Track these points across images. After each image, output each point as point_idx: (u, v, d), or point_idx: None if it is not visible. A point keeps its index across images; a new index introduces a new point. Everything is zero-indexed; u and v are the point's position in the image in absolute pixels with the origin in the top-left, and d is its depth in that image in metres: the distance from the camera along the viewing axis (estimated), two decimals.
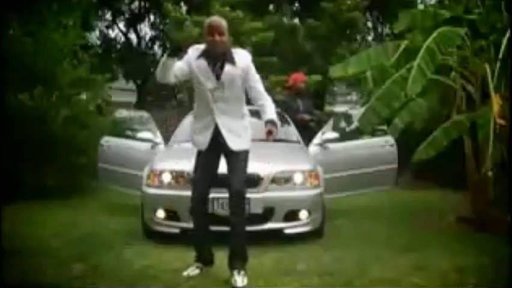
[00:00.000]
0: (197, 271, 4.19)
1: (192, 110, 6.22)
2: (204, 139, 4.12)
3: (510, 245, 4.57)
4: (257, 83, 4.15)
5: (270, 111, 4.13)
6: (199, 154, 4.20)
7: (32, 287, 3.97)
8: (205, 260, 4.26)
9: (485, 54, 5.81)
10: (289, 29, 11.42)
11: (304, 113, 7.29)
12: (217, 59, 3.99)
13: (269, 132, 4.04)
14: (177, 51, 3.95)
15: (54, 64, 8.08)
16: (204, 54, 4.00)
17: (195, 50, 4.06)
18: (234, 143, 4.09)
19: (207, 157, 4.15)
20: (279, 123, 4.25)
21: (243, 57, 4.10)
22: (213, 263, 4.27)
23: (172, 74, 4.00)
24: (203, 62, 4.00)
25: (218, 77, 3.99)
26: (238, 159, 4.08)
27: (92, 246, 5.00)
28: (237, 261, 4.04)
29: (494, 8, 5.76)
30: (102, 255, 4.68)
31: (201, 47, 4.06)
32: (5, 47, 7.14)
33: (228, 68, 3.99)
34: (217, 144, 4.09)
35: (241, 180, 4.05)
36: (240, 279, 3.95)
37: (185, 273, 4.15)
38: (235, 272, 3.98)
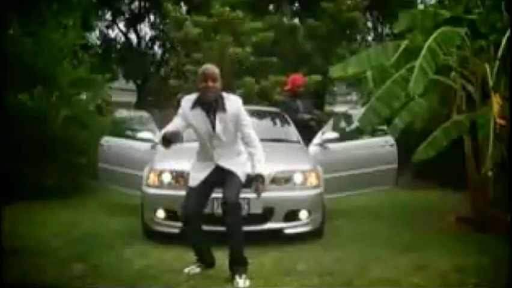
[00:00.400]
0: (198, 270, 4.23)
1: None
2: (202, 176, 4.24)
3: (510, 245, 4.57)
4: (247, 127, 4.25)
5: (259, 163, 4.21)
6: (191, 189, 4.27)
7: (32, 287, 3.96)
8: (206, 262, 4.30)
9: (485, 54, 5.81)
10: (289, 29, 11.41)
11: (304, 113, 7.28)
12: (210, 106, 4.13)
13: (256, 190, 4.17)
14: (167, 143, 4.01)
15: (54, 64, 8.07)
16: (198, 102, 4.15)
17: (187, 101, 4.20)
18: (232, 167, 4.22)
19: (201, 188, 4.24)
20: (265, 175, 4.30)
21: (233, 102, 4.20)
22: (214, 265, 4.29)
23: (177, 140, 4.06)
24: (199, 111, 4.14)
25: (213, 127, 4.14)
26: (233, 177, 4.19)
27: (92, 246, 5.00)
28: (238, 265, 4.09)
29: (494, 8, 5.76)
30: (102, 255, 4.68)
31: (193, 96, 4.20)
32: (5, 47, 7.14)
33: (219, 116, 4.13)
34: (214, 176, 4.22)
35: (236, 194, 4.15)
36: (241, 282, 3.98)
37: (186, 270, 4.19)
38: (237, 276, 4.02)
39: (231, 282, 3.99)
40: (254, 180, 4.19)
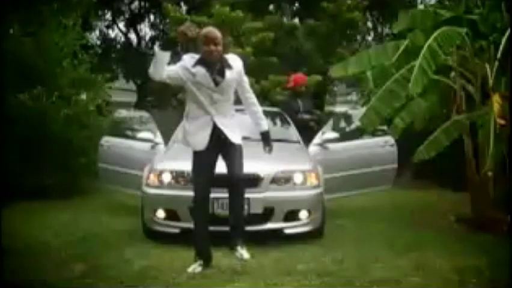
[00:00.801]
0: (200, 268, 4.24)
1: None
2: (202, 138, 4.26)
3: (510, 245, 4.57)
4: (247, 85, 4.43)
5: (263, 120, 4.49)
6: (196, 154, 4.31)
7: (32, 287, 3.96)
8: (205, 257, 4.32)
9: (485, 54, 5.82)
10: (289, 29, 11.40)
11: (305, 114, 7.28)
12: (214, 66, 4.20)
13: (268, 146, 4.51)
14: (170, 45, 4.11)
15: (54, 64, 8.08)
16: (201, 62, 4.20)
17: (190, 58, 4.23)
18: (234, 137, 4.29)
19: (206, 156, 4.27)
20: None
21: (236, 61, 4.32)
22: (211, 260, 4.34)
23: (164, 70, 4.15)
24: (201, 69, 4.19)
25: (216, 82, 4.20)
26: (236, 152, 4.28)
27: (93, 246, 5.00)
28: (239, 238, 4.28)
29: (494, 8, 5.76)
30: (102, 255, 4.68)
31: (196, 56, 4.24)
32: (5, 47, 7.14)
33: (228, 73, 4.22)
34: (216, 142, 4.25)
35: (241, 169, 4.24)
36: (244, 252, 4.22)
37: (189, 270, 4.20)
38: (239, 248, 4.23)
39: (233, 253, 4.24)
40: (263, 138, 4.48)
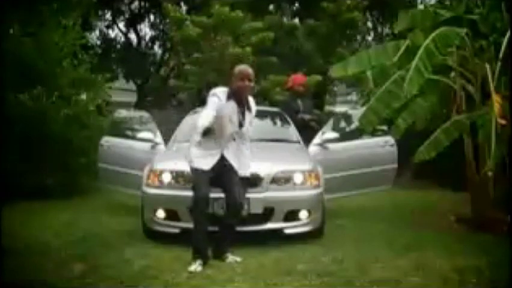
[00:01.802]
0: (200, 267, 4.28)
1: (191, 110, 6.27)
2: (208, 162, 4.48)
3: (510, 245, 4.57)
4: (250, 128, 4.66)
5: (247, 167, 4.63)
6: (195, 172, 4.52)
7: (32, 287, 3.96)
8: (204, 256, 4.38)
9: (485, 54, 5.81)
10: (289, 29, 11.41)
11: (305, 114, 7.28)
12: (243, 104, 4.49)
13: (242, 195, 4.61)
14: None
15: (54, 64, 8.09)
16: (233, 97, 4.43)
17: (222, 93, 4.46)
18: (240, 168, 4.56)
19: (204, 176, 4.49)
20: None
21: (253, 104, 4.62)
22: (209, 259, 4.44)
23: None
24: (234, 105, 4.43)
25: (240, 125, 4.49)
26: (235, 175, 4.53)
27: (92, 246, 5.00)
28: (228, 247, 4.56)
29: (494, 8, 5.75)
30: (102, 255, 4.67)
31: (225, 89, 4.50)
32: (5, 47, 7.14)
33: (247, 116, 4.53)
34: (217, 166, 4.50)
35: (242, 195, 4.57)
36: (235, 257, 4.50)
37: (191, 269, 4.23)
38: (229, 254, 4.51)
39: (222, 261, 4.46)
40: (243, 182, 4.60)
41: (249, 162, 4.65)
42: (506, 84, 5.51)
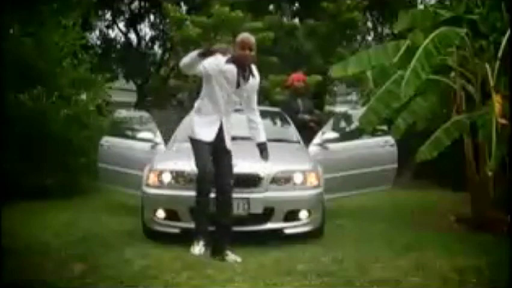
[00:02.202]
0: (203, 249, 4.38)
1: (191, 109, 6.23)
2: (210, 132, 4.55)
3: (510, 245, 4.57)
4: (255, 96, 4.74)
5: (262, 132, 4.77)
6: (198, 147, 4.58)
7: (32, 287, 3.96)
8: (206, 236, 4.50)
9: (485, 54, 5.81)
10: (289, 29, 11.41)
11: (305, 114, 7.28)
12: (244, 69, 4.52)
13: (264, 156, 4.76)
14: (208, 54, 4.41)
15: (54, 64, 8.08)
16: (233, 61, 4.48)
17: (222, 57, 4.48)
18: (228, 144, 4.65)
19: (206, 150, 4.56)
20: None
21: (257, 73, 4.67)
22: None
23: (195, 69, 4.54)
24: (232, 67, 4.48)
25: (238, 84, 4.51)
26: (227, 159, 4.61)
27: (92, 246, 4.99)
28: (226, 245, 4.52)
29: (494, 8, 5.75)
30: (102, 255, 4.67)
31: (225, 58, 4.50)
32: (5, 47, 7.14)
33: (251, 79, 4.57)
34: (216, 141, 4.57)
35: (231, 176, 4.61)
36: (235, 256, 4.45)
37: (196, 251, 4.36)
38: (229, 252, 4.47)
39: (224, 260, 4.40)
40: (260, 149, 4.73)
41: (261, 129, 4.75)
42: (506, 84, 5.51)
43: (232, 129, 4.72)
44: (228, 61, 4.47)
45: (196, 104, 4.69)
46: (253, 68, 4.63)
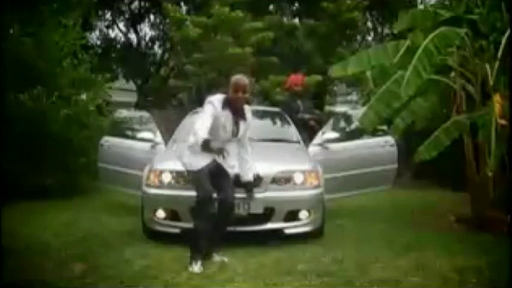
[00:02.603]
0: (201, 267, 4.28)
1: (191, 110, 6.26)
2: (204, 160, 4.47)
3: (510, 245, 4.57)
4: (247, 135, 4.72)
5: (250, 171, 4.81)
6: (195, 172, 4.52)
7: (32, 287, 3.96)
8: (202, 256, 4.40)
9: (485, 54, 5.81)
10: (289, 29, 11.42)
11: (305, 113, 7.28)
12: (237, 112, 4.54)
13: (249, 192, 4.86)
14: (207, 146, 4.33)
15: (55, 64, 8.08)
16: (227, 106, 4.48)
17: (218, 102, 4.48)
18: (242, 174, 4.75)
19: (203, 173, 4.49)
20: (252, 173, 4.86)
21: (249, 113, 4.66)
22: (209, 257, 4.47)
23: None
24: (229, 114, 4.49)
25: (234, 134, 4.56)
26: (228, 178, 4.61)
27: (93, 246, 5.00)
28: (215, 247, 4.56)
29: (494, 8, 5.75)
30: (102, 255, 4.67)
31: (221, 97, 4.51)
32: (5, 47, 7.14)
33: (242, 125, 4.57)
34: (215, 167, 4.54)
35: (233, 196, 4.60)
36: (222, 257, 4.51)
37: (196, 269, 4.24)
38: (215, 254, 4.52)
39: (209, 260, 4.44)
40: (245, 186, 4.80)
41: (250, 168, 4.78)
42: (506, 84, 5.51)
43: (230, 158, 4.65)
44: (223, 107, 4.47)
45: (195, 147, 4.45)
46: (247, 109, 4.65)
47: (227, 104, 4.48)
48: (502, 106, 5.27)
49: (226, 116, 4.48)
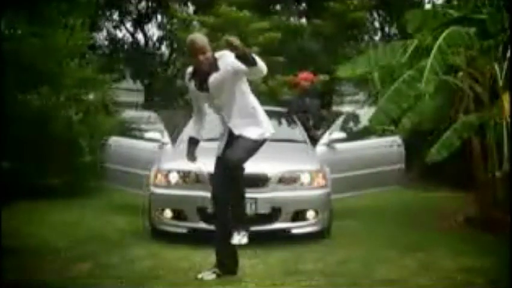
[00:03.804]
0: (213, 276, 4.05)
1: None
2: (220, 146, 4.14)
3: (510, 245, 4.55)
4: (242, 74, 4.03)
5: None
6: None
7: (37, 287, 3.97)
8: (225, 268, 4.10)
9: (493, 53, 5.78)
10: (295, 29, 11.41)
11: (317, 130, 7.23)
12: (205, 74, 3.99)
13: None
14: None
15: (62, 64, 8.10)
16: (194, 74, 4.06)
17: (187, 75, 4.14)
18: (243, 130, 4.02)
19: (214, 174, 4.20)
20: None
21: (225, 58, 3.99)
22: (235, 273, 4.11)
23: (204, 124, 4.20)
24: (193, 81, 4.07)
25: (204, 89, 4.00)
26: (242, 140, 4.01)
27: (99, 245, 5.01)
28: (238, 225, 4.03)
29: (503, 8, 5.72)
30: (108, 254, 4.69)
31: (190, 69, 4.12)
32: (12, 47, 7.17)
33: (212, 77, 3.96)
34: (229, 144, 4.07)
35: (239, 155, 3.97)
36: (237, 237, 3.98)
37: (199, 276, 4.05)
38: (235, 232, 3.98)
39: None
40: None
41: (250, 125, 4.06)
42: None
43: (249, 123, 4.07)
44: (189, 78, 4.09)
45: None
46: (219, 57, 4.01)
47: (193, 73, 4.06)
48: (511, 105, 5.25)
49: (191, 84, 4.07)
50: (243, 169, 4.04)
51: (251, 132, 4.02)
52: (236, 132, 4.03)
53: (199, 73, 4.01)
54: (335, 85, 11.69)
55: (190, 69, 4.13)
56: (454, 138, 5.94)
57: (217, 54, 4.03)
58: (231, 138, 4.06)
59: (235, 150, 3.97)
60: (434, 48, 5.34)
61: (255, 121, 4.07)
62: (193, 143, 4.19)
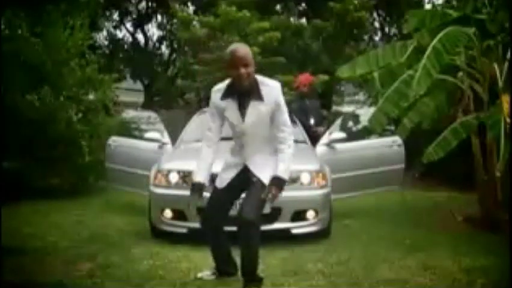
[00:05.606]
0: (212, 277, 4.02)
1: (199, 110, 6.22)
2: (229, 176, 3.78)
3: (510, 245, 4.55)
4: (283, 116, 3.70)
5: (283, 164, 3.64)
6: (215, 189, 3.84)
7: (37, 287, 3.97)
8: (224, 271, 4.03)
9: (493, 53, 5.79)
10: (296, 29, 11.42)
11: (318, 127, 7.23)
12: (244, 95, 3.54)
13: (268, 193, 3.55)
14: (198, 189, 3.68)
15: (62, 64, 8.11)
16: (229, 91, 3.58)
17: (217, 92, 3.66)
18: (260, 172, 3.67)
19: (226, 193, 3.81)
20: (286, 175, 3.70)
21: (271, 89, 3.60)
22: (234, 274, 4.00)
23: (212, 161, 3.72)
24: (230, 101, 3.59)
25: (240, 121, 3.60)
26: (257, 187, 3.62)
27: (100, 245, 5.01)
28: (250, 281, 3.78)
29: (503, 7, 5.72)
30: (109, 254, 4.69)
31: (222, 86, 3.67)
32: (13, 48, 7.17)
33: (253, 105, 3.55)
34: (241, 178, 3.74)
35: (253, 211, 3.58)
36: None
37: (198, 275, 4.04)
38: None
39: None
40: (272, 180, 3.61)
41: (284, 164, 3.64)
42: None
43: (269, 164, 3.67)
44: (223, 96, 3.57)
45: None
46: (262, 82, 3.57)
47: (229, 90, 3.57)
48: (510, 106, 5.25)
49: (229, 105, 3.57)
50: (258, 228, 3.68)
51: (267, 176, 3.63)
52: (255, 172, 3.65)
53: (238, 90, 3.54)
54: (335, 85, 11.69)
55: (220, 85, 3.67)
56: (450, 138, 5.95)
57: (259, 78, 3.61)
58: (244, 176, 3.70)
59: (252, 204, 3.56)
60: (429, 49, 5.34)
61: (275, 162, 3.65)
62: (198, 189, 3.66)
